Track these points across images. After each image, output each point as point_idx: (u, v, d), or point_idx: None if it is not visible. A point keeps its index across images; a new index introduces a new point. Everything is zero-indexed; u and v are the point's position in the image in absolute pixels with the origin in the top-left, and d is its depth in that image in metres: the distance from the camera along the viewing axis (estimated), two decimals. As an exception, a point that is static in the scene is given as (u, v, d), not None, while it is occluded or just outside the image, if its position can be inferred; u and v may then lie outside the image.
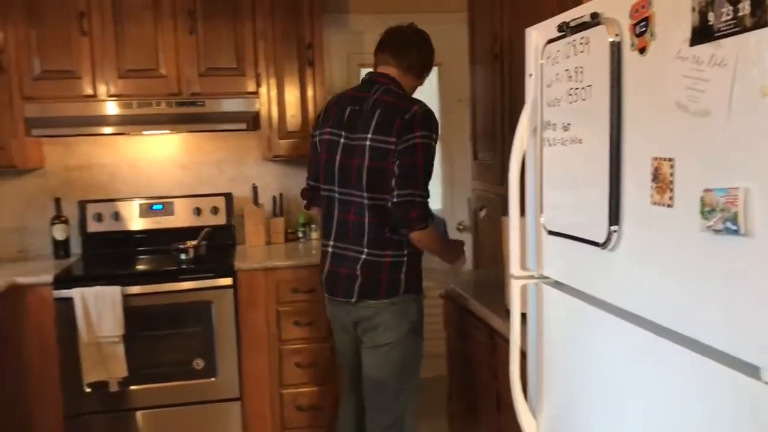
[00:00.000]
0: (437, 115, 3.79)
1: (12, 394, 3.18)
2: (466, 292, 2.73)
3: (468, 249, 4.28)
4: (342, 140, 2.50)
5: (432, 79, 4.31)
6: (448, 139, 4.35)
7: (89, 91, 3.47)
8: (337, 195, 2.53)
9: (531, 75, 1.70)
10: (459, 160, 4.24)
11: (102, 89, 3.48)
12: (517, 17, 2.68)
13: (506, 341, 1.89)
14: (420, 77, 2.66)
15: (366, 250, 2.47)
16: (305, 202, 2.78)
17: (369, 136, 2.43)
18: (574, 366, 1.59)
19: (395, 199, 2.39)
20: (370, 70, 2.67)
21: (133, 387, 3.30)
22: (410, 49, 2.57)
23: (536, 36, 1.68)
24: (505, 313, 2.08)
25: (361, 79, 2.68)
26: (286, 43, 3.63)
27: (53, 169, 3.81)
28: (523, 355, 1.81)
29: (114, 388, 3.24)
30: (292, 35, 3.63)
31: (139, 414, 3.33)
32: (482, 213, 3.46)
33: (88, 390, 3.23)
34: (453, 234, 4.21)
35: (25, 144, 3.51)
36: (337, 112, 2.54)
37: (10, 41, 3.38)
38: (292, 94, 3.67)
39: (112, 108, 3.45)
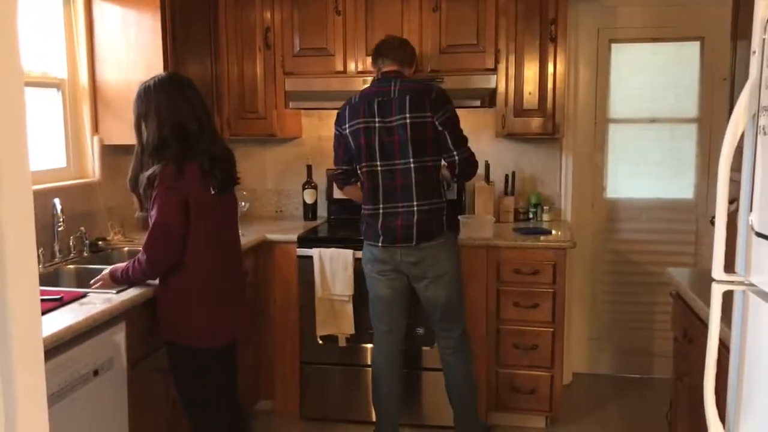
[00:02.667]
0: (696, 94, 3.56)
1: (259, 336, 3.60)
2: (695, 292, 2.47)
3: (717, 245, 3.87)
4: (377, 125, 3.00)
5: (693, 55, 3.93)
6: (706, 122, 3.94)
7: (340, 67, 3.73)
8: (379, 168, 3.02)
9: (754, 52, 1.48)
10: (718, 146, 3.80)
11: (351, 66, 3.72)
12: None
13: (728, 350, 1.69)
14: (411, 67, 3.25)
15: (416, 203, 3.00)
16: (341, 184, 3.26)
17: (407, 115, 2.96)
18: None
19: (458, 157, 3.02)
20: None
21: (358, 344, 3.54)
22: (404, 49, 3.19)
23: (764, 6, 1.45)
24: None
25: (373, 78, 3.27)
26: (529, 19, 3.54)
27: (308, 139, 4.18)
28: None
29: (342, 343, 3.52)
30: (535, 11, 3.53)
31: (363, 370, 3.56)
32: (732, 206, 3.09)
33: (320, 342, 3.54)
34: (706, 228, 3.85)
35: (284, 115, 3.89)
36: (365, 106, 3.03)
37: (277, 21, 3.76)
38: (531, 71, 3.59)
39: (359, 84, 3.66)
